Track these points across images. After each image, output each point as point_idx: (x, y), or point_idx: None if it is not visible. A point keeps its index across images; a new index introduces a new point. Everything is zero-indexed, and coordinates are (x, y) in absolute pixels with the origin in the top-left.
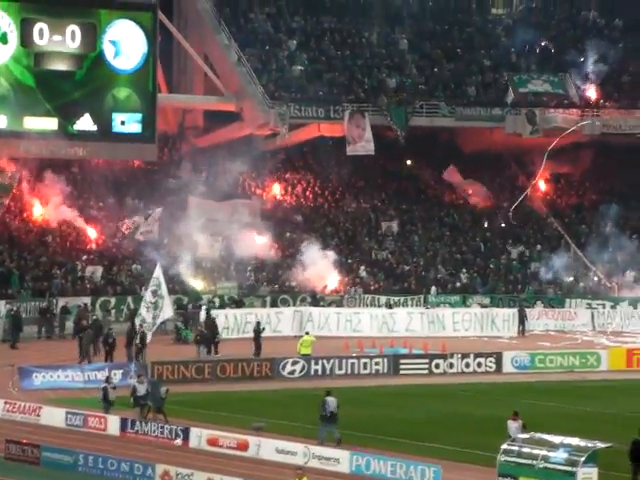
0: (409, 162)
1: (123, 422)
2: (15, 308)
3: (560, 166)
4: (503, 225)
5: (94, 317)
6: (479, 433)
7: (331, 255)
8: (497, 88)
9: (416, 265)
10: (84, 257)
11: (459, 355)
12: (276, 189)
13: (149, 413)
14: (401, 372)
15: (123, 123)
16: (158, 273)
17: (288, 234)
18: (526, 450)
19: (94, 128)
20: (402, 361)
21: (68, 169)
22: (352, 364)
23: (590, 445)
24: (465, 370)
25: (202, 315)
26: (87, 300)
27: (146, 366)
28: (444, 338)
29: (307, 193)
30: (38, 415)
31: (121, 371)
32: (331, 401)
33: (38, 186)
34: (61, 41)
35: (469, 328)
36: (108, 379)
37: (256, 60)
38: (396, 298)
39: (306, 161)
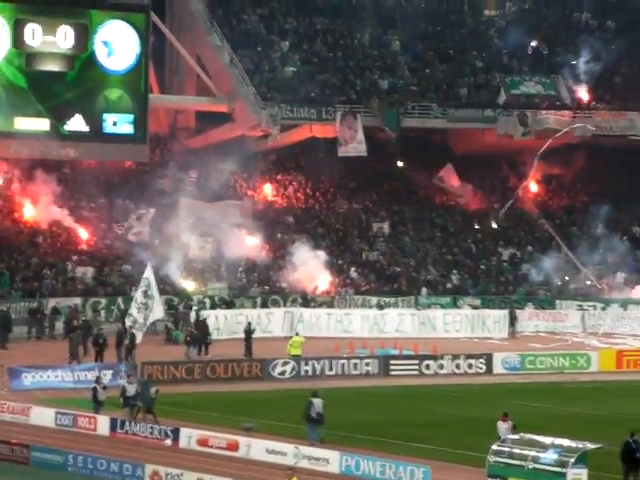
0: (400, 163)
1: (113, 422)
2: (5, 309)
3: (551, 167)
4: (494, 226)
5: (83, 318)
6: (469, 434)
7: (322, 256)
8: (489, 90)
9: (407, 266)
10: (74, 258)
11: (450, 356)
12: (267, 190)
13: (139, 413)
14: (391, 373)
15: (115, 124)
16: (148, 274)
17: (279, 235)
18: (516, 451)
19: (86, 129)
20: (392, 362)
21: (59, 169)
22: (342, 365)
23: (580, 446)
24: (455, 371)
25: (192, 316)
26: (78, 301)
27: (136, 366)
28: (435, 339)
29: (298, 194)
30: (27, 415)
31: (111, 371)
32: (317, 402)
33: (29, 186)
34: (53, 42)
35: (460, 329)
36: (98, 379)
37: (248, 61)
38: (387, 299)
39: (297, 162)
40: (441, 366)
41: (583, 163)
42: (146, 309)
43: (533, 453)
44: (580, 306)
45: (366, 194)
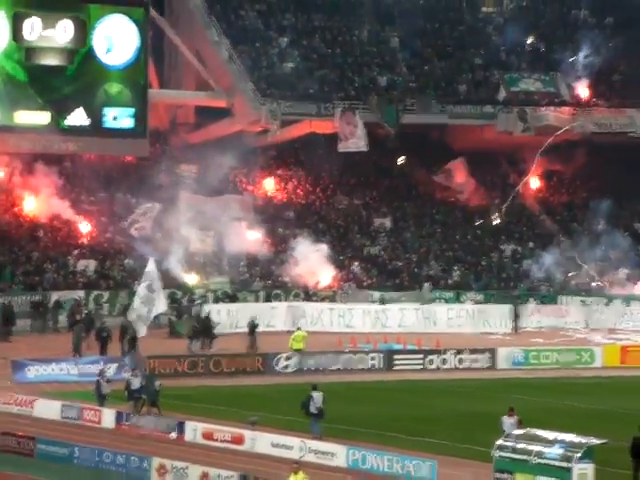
0: (401, 159)
1: (118, 415)
2: (7, 302)
3: (552, 164)
4: (495, 222)
5: (86, 311)
6: (472, 428)
7: (323, 251)
8: (488, 86)
9: (409, 261)
10: (75, 252)
11: (453, 351)
12: (267, 185)
13: (143, 407)
14: (395, 368)
15: (115, 118)
16: (151, 267)
17: (280, 230)
18: (521, 446)
19: (86, 123)
20: (396, 357)
21: (60, 163)
22: (346, 359)
23: (585, 441)
24: (459, 366)
25: (204, 310)
26: (81, 294)
27: (142, 359)
28: (438, 334)
29: (298, 190)
30: (33, 407)
31: (115, 365)
32: (317, 396)
33: (30, 180)
34: (52, 36)
35: (463, 324)
36: (102, 373)
37: (247, 57)
38: (389, 294)
39: (297, 157)
40: (444, 361)
41: (583, 159)
42: (150, 302)
43: (538, 448)
44: (583, 302)
45: (366, 190)
